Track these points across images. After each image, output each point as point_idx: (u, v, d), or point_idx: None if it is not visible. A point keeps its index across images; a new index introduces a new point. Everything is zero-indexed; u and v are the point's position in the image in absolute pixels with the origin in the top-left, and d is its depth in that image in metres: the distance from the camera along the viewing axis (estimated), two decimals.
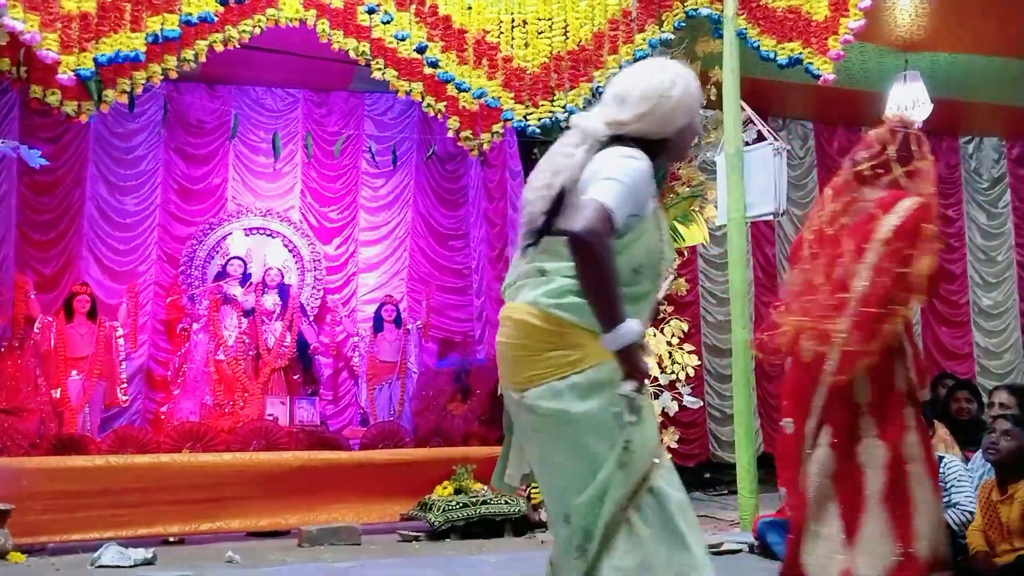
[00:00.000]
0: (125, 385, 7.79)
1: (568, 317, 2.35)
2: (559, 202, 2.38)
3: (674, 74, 2.51)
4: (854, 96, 8.68)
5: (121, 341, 7.72)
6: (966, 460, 4.97)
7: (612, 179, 2.31)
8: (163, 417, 7.85)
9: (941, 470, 4.31)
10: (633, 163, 2.36)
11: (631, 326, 2.26)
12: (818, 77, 5.51)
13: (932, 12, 7.14)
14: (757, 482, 5.61)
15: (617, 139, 2.44)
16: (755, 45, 5.75)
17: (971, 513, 4.22)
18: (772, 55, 5.69)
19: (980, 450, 4.64)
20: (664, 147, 2.52)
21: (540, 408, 2.35)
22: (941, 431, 5.14)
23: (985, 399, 6.20)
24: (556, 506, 2.42)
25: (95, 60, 4.89)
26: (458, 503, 6.17)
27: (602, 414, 2.31)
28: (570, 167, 2.40)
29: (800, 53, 5.57)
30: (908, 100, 7.79)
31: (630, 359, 2.28)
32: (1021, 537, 3.92)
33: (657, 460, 2.35)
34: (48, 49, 4.73)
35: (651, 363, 3.15)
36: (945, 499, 4.26)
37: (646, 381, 2.40)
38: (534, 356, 2.37)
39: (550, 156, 2.48)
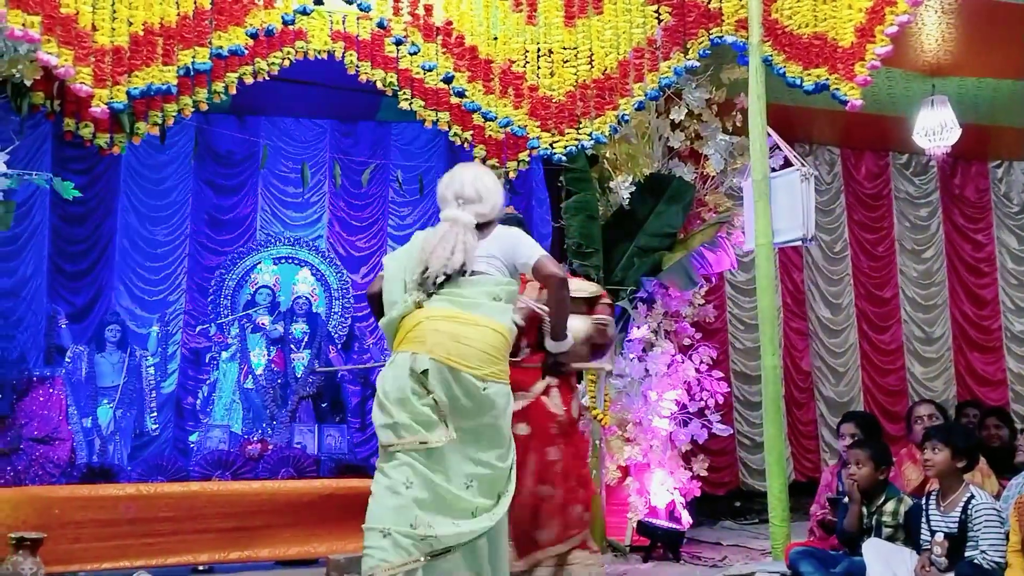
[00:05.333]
0: (155, 414, 7.85)
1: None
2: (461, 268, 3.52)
3: (493, 174, 3.84)
4: (881, 121, 8.64)
5: (151, 370, 7.79)
6: (1002, 488, 4.89)
7: (532, 243, 3.70)
8: (192, 446, 7.89)
9: (969, 510, 4.24)
10: (523, 233, 3.82)
11: (569, 338, 3.92)
12: (845, 103, 5.48)
13: (959, 37, 7.11)
14: (789, 510, 5.54)
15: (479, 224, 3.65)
16: (781, 72, 5.74)
17: (996, 563, 4.09)
18: (798, 81, 5.68)
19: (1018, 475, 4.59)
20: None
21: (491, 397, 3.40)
22: (981, 463, 5.01)
23: (1018, 425, 6.12)
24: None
25: (128, 93, 4.97)
26: None
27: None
28: (466, 247, 3.52)
29: (827, 79, 5.55)
30: (936, 125, 7.75)
31: (563, 359, 3.98)
32: None
33: None
34: (82, 83, 4.80)
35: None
36: (972, 543, 4.19)
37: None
38: (496, 359, 3.44)
39: (446, 237, 3.53)
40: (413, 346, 3.40)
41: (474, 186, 3.71)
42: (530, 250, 3.65)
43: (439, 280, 3.50)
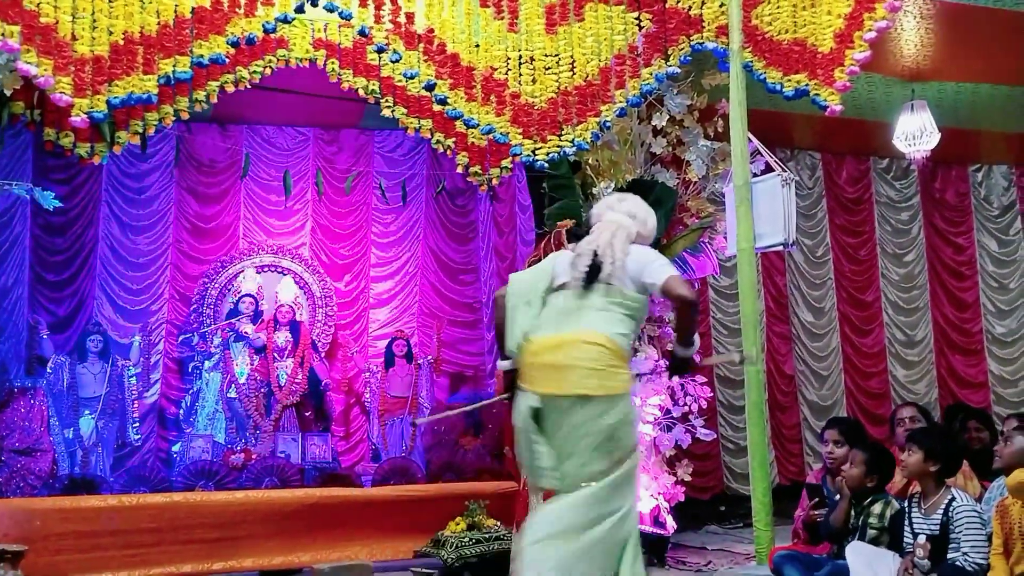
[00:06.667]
0: (137, 424, 7.80)
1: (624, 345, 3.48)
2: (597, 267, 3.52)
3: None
4: (862, 126, 8.71)
5: (133, 380, 7.75)
6: (984, 490, 4.91)
7: (662, 263, 3.57)
8: (175, 456, 7.85)
9: (950, 512, 4.27)
10: (655, 252, 3.68)
11: (695, 345, 3.64)
12: (825, 108, 5.51)
13: (938, 42, 7.17)
14: (773, 514, 5.55)
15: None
16: (761, 78, 5.77)
17: (978, 564, 4.12)
18: (779, 87, 5.71)
19: (998, 479, 4.61)
20: None
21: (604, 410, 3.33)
22: (964, 466, 5.04)
23: (999, 427, 6.15)
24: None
25: (108, 102, 4.94)
26: (471, 539, 6.13)
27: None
28: (624, 240, 3.59)
29: (806, 85, 5.58)
30: (915, 129, 7.81)
31: (691, 361, 3.67)
32: None
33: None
34: (61, 92, 4.78)
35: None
36: (954, 545, 4.21)
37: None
38: (604, 371, 3.35)
39: (606, 228, 3.64)
40: (527, 384, 3.47)
41: (641, 208, 3.83)
42: (658, 271, 3.52)
43: (585, 273, 3.49)
